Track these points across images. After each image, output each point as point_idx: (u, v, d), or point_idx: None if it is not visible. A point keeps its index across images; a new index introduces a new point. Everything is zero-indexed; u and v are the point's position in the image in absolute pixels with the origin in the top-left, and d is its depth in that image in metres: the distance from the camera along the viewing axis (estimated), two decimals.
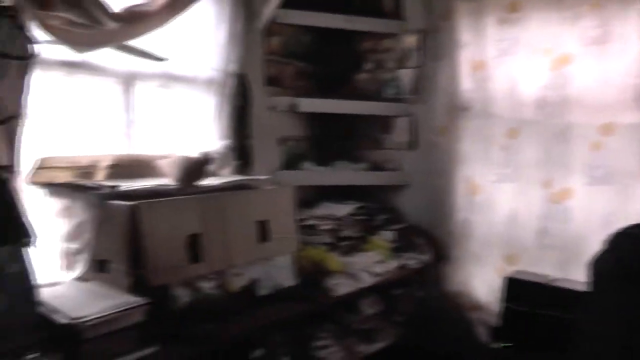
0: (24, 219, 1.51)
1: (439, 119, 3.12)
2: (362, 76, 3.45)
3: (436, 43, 3.10)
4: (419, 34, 3.18)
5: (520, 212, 2.84)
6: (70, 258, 1.96)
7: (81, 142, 2.27)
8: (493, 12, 2.85)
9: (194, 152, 2.17)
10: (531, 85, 2.76)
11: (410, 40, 3.21)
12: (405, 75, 3.25)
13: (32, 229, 1.51)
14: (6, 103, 1.45)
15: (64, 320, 1.55)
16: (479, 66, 2.93)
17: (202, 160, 2.13)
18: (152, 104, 2.55)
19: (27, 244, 1.50)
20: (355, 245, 3.00)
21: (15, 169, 1.47)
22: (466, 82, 2.99)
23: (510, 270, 2.76)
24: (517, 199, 2.84)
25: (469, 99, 2.99)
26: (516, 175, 2.85)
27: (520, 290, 2.56)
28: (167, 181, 2.17)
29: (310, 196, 3.21)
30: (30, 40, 1.62)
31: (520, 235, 2.85)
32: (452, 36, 3.01)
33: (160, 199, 1.89)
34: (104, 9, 1.94)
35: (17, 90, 1.67)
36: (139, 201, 1.80)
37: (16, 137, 1.56)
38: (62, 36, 1.91)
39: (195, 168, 2.07)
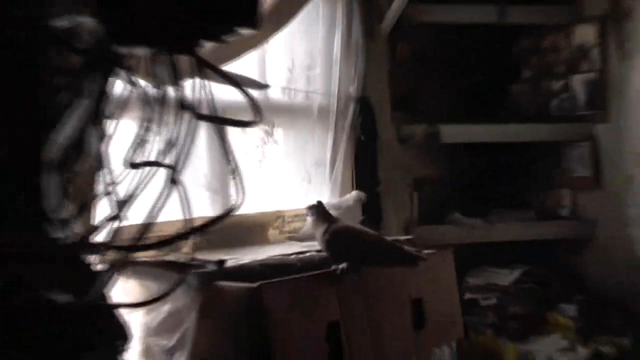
0: (117, 315, 1.29)
1: (634, 141, 2.72)
2: (520, 88, 3.13)
3: (625, 34, 2.76)
4: (599, 22, 2.84)
5: None
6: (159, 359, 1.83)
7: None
8: None
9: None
10: None
11: (587, 33, 2.88)
12: (581, 84, 2.92)
13: (127, 327, 1.30)
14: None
15: None
16: None
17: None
18: (245, 143, 2.29)
19: (121, 348, 1.29)
20: (528, 327, 2.69)
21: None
22: None
23: None
24: None
25: None
26: None
27: None
28: (282, 250, 1.99)
29: (462, 259, 2.75)
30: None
31: None
32: None
33: (287, 277, 1.70)
34: None
35: None
36: (261, 282, 1.60)
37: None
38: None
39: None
